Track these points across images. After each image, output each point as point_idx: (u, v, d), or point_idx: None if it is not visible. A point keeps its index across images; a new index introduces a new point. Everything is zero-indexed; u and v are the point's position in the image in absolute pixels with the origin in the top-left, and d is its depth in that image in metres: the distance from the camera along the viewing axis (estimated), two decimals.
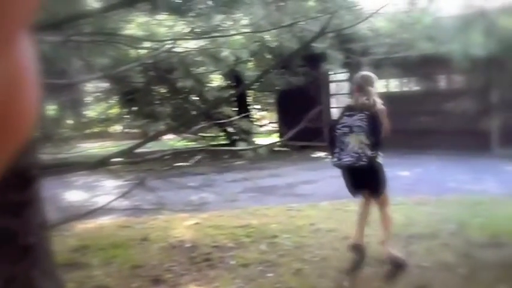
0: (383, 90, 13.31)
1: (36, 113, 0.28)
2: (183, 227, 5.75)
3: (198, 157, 7.08)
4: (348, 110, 4.26)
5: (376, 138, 4.12)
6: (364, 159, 4.04)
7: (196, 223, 5.87)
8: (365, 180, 4.28)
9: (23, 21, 0.25)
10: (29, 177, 2.94)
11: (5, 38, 0.25)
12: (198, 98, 12.17)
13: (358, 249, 4.33)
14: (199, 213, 6.26)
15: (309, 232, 5.25)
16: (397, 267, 4.05)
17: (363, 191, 4.44)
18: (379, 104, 4.24)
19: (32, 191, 2.99)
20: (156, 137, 4.67)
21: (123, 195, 4.96)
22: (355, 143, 4.06)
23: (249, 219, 5.95)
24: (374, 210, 4.49)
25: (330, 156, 4.44)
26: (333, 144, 4.20)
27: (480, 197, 6.54)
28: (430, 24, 5.83)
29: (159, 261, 4.60)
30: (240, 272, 4.22)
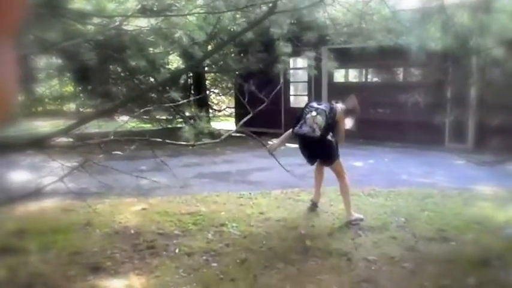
0: (340, 80, 13.37)
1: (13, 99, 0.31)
2: (129, 212, 5.57)
3: (148, 140, 6.87)
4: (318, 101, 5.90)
5: (329, 125, 5.36)
6: (316, 133, 5.29)
7: (143, 209, 5.69)
8: (316, 151, 5.53)
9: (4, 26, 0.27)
10: None
11: None
12: (152, 80, 11.88)
13: (313, 205, 5.68)
14: (148, 198, 6.08)
15: (257, 221, 5.16)
16: (356, 224, 5.05)
17: (315, 159, 5.64)
18: (340, 108, 5.62)
19: None
20: (93, 117, 4.43)
21: (62, 179, 4.74)
22: (313, 120, 5.34)
23: (198, 206, 5.82)
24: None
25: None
26: (298, 120, 5.42)
27: (430, 190, 6.61)
28: (389, 16, 5.78)
29: (100, 247, 4.41)
30: (184, 261, 4.09)
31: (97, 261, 4.08)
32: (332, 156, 5.49)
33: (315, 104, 5.62)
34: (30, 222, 5.09)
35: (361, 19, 5.85)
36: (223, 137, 6.18)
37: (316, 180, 5.85)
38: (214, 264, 4.01)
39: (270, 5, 4.33)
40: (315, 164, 5.71)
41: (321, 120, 5.36)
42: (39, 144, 3.91)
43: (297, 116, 5.55)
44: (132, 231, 4.84)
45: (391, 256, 4.17)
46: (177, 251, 4.29)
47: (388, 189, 6.73)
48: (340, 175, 5.47)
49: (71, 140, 5.72)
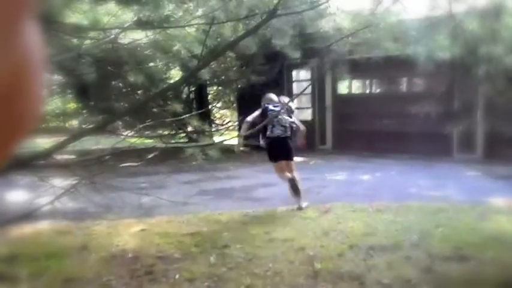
0: (345, 91, 13.14)
1: (42, 103, 0.28)
2: (127, 233, 5.30)
3: (151, 156, 6.69)
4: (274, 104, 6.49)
5: (291, 122, 6.34)
6: (287, 133, 6.27)
7: (142, 229, 5.43)
8: (287, 149, 6.29)
9: (27, 7, 0.25)
10: None
11: (10, 24, 0.24)
12: (153, 96, 11.66)
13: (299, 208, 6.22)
14: (147, 217, 5.83)
15: (262, 242, 4.88)
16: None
17: (280, 158, 6.28)
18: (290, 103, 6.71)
19: None
20: (87, 133, 4.19)
21: (58, 199, 4.52)
22: (284, 121, 6.23)
23: (200, 225, 5.55)
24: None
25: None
26: (254, 124, 5.96)
27: (442, 204, 6.33)
28: (395, 25, 5.56)
29: (96, 273, 4.15)
30: (185, 287, 3.82)
31: None
32: (293, 153, 6.39)
33: (271, 106, 6.35)
34: (23, 246, 4.84)
35: (366, 28, 5.61)
36: (238, 150, 6.43)
37: (282, 176, 6.34)
38: None
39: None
40: (277, 163, 6.33)
41: (288, 119, 6.28)
42: (34, 162, 3.68)
43: (256, 119, 6.18)
44: (130, 255, 4.58)
45: (407, 279, 3.90)
46: (177, 276, 4.02)
47: (397, 203, 6.46)
48: (292, 168, 6.28)
49: (72, 157, 5.51)
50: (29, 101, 0.27)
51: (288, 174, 6.22)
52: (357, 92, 13.37)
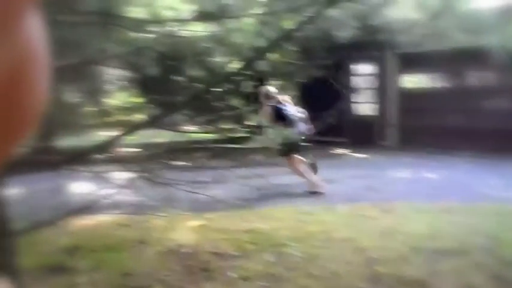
0: (410, 85, 12.67)
1: (46, 97, 0.27)
2: (184, 228, 5.28)
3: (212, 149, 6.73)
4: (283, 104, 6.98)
5: None
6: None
7: (199, 225, 5.40)
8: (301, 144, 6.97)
9: None
10: None
11: (11, 14, 0.23)
12: (214, 89, 11.68)
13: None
14: (205, 212, 5.79)
15: (321, 241, 4.72)
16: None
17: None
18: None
19: None
20: (135, 129, 4.16)
21: (119, 191, 4.56)
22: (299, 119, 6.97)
23: (257, 222, 5.45)
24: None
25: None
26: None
27: None
28: (467, 14, 5.22)
29: (152, 268, 4.15)
30: (240, 286, 3.74)
31: (147, 284, 3.81)
32: None
33: (284, 106, 6.88)
34: (83, 238, 4.92)
35: (434, 18, 5.30)
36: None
37: (306, 170, 7.00)
38: None
39: None
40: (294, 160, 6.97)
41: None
42: (94, 155, 3.70)
43: (276, 117, 6.85)
44: (187, 250, 4.55)
45: (475, 286, 3.63)
46: (232, 274, 3.94)
47: (465, 204, 6.09)
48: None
49: (134, 150, 5.57)
50: (32, 96, 0.26)
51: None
52: (424, 86, 12.83)
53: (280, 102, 6.97)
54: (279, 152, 7.03)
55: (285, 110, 6.86)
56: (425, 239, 4.69)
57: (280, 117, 6.83)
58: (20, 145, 0.26)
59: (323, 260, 4.20)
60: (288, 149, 6.94)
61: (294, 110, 7.03)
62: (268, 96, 7.00)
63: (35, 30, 0.25)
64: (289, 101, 7.23)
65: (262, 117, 7.06)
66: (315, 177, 7.06)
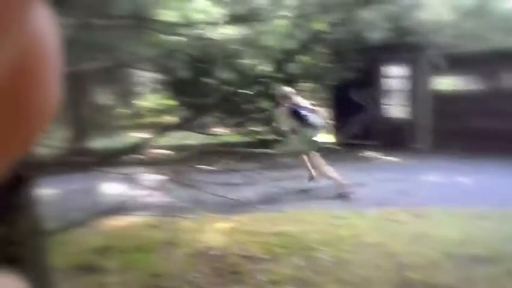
0: (444, 87, 12.42)
1: (57, 96, 0.25)
2: (213, 230, 5.31)
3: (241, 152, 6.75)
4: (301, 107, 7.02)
5: None
6: None
7: (229, 227, 5.40)
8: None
9: None
10: (18, 178, 2.54)
11: (17, 7, 0.21)
12: (244, 92, 11.68)
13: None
14: (234, 215, 5.80)
15: (351, 245, 4.67)
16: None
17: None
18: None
19: (21, 194, 2.60)
20: (166, 131, 4.19)
21: (150, 193, 4.62)
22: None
23: (287, 225, 5.42)
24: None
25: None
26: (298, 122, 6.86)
27: None
28: (504, 14, 5.09)
29: (181, 270, 4.17)
30: None
31: (176, 285, 3.84)
32: None
33: (300, 108, 6.93)
34: (114, 239, 4.98)
35: (469, 19, 5.19)
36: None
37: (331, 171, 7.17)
38: None
39: None
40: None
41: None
42: (124, 156, 3.75)
43: (297, 119, 6.88)
44: (215, 253, 4.56)
45: None
46: (262, 278, 3.93)
47: (500, 210, 5.94)
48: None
49: (167, 152, 5.63)
50: (40, 93, 0.24)
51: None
52: (458, 88, 12.56)
53: (297, 104, 6.97)
54: (296, 152, 7.17)
55: (301, 112, 6.89)
56: (457, 245, 4.59)
57: (295, 118, 6.87)
58: (32, 145, 0.26)
59: (353, 265, 4.15)
60: (306, 148, 7.06)
61: (311, 113, 7.04)
62: (286, 97, 6.98)
63: (43, 25, 0.24)
64: (309, 103, 7.30)
65: (278, 118, 7.09)
66: (340, 178, 7.11)
